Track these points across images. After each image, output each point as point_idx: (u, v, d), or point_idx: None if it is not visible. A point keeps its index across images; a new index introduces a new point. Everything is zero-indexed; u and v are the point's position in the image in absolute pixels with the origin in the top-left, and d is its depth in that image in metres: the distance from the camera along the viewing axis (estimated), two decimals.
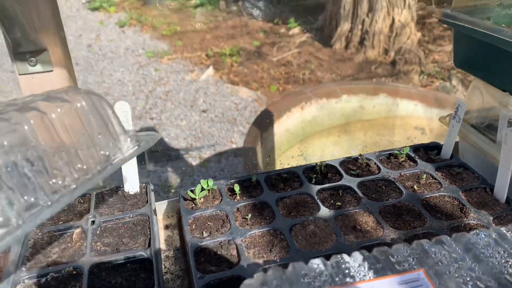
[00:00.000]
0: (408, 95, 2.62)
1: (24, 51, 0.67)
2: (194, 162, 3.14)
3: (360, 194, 0.76)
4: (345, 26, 4.33)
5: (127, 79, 4.12)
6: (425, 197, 0.75)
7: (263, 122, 2.45)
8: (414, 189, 0.77)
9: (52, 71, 0.70)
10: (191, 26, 5.15)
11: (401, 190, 0.77)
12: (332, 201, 0.76)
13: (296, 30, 4.86)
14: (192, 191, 0.77)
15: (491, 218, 0.70)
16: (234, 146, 3.29)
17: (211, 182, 0.79)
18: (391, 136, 2.82)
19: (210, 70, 4.26)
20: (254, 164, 2.35)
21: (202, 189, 0.77)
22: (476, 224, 0.69)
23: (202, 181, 0.79)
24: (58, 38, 0.68)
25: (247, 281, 0.47)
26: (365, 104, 2.77)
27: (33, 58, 0.68)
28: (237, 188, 0.78)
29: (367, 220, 0.71)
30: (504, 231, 0.51)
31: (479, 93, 0.90)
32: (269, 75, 4.11)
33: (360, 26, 4.25)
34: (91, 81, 4.02)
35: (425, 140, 0.93)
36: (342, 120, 2.82)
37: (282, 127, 2.55)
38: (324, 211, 0.73)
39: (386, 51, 4.20)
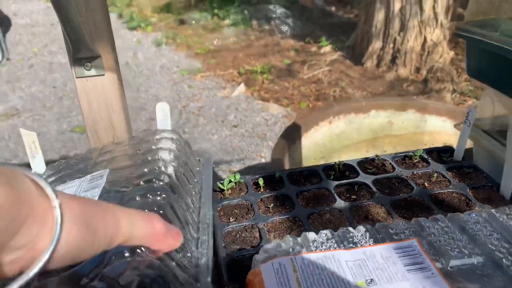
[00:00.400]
0: (437, 111, 2.65)
1: (81, 57, 0.78)
2: (224, 175, 3.23)
3: (374, 189, 0.83)
4: (376, 45, 4.39)
5: (162, 95, 4.30)
6: (434, 193, 0.81)
7: (291, 135, 2.53)
8: (425, 185, 0.83)
9: (104, 75, 0.82)
10: (224, 45, 5.33)
11: (413, 187, 0.83)
12: (348, 195, 0.83)
13: (327, 48, 4.95)
14: (221, 183, 0.86)
15: (494, 211, 0.75)
16: (263, 160, 3.38)
17: (238, 176, 0.88)
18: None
19: (242, 87, 4.39)
20: None
21: (230, 181, 0.86)
22: None
23: (230, 175, 0.88)
24: (110, 47, 0.80)
25: (265, 246, 0.56)
26: (393, 119, 2.81)
27: (88, 63, 0.79)
28: (261, 181, 0.87)
29: (378, 211, 0.77)
30: (494, 212, 0.57)
31: (490, 101, 0.95)
32: (299, 92, 4.20)
33: (391, 45, 4.29)
34: (128, 96, 4.21)
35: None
36: (370, 135, 2.87)
37: (309, 140, 2.62)
38: (340, 203, 0.80)
39: (418, 70, 4.22)
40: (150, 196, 0.53)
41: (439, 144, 1.01)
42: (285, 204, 0.82)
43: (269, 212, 0.80)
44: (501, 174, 0.84)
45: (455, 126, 1.01)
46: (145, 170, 0.64)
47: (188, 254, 0.53)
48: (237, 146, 3.67)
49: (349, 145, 2.78)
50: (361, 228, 0.57)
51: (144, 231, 0.37)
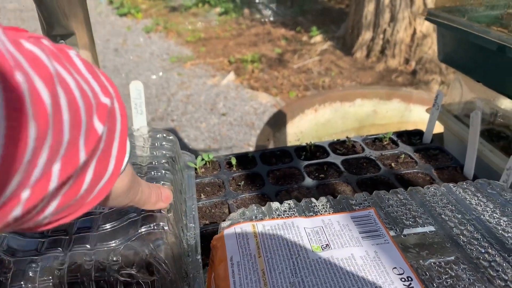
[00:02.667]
0: (421, 101, 2.68)
1: (55, 34, 0.79)
2: None
3: (343, 169, 0.86)
4: (366, 35, 4.41)
5: (151, 82, 4.29)
6: (400, 173, 0.83)
7: (276, 123, 2.55)
8: (392, 166, 0.86)
9: (78, 52, 0.83)
10: (215, 33, 5.32)
11: (380, 167, 0.86)
12: (316, 174, 0.85)
13: (318, 38, 4.96)
14: (194, 162, 0.88)
15: None
16: (251, 148, 3.39)
17: (211, 155, 0.90)
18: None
19: (231, 76, 4.39)
20: None
21: (202, 159, 0.88)
22: None
23: (203, 154, 0.90)
24: (84, 24, 0.81)
25: (231, 214, 0.58)
26: (378, 108, 2.83)
27: (62, 41, 0.80)
28: (234, 161, 0.89)
29: (345, 189, 0.80)
30: (451, 186, 0.60)
31: (459, 85, 0.98)
32: (289, 82, 4.21)
33: (381, 36, 4.31)
34: (117, 83, 4.21)
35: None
36: (356, 124, 2.90)
37: (295, 128, 2.65)
38: (308, 181, 0.82)
39: (407, 61, 4.25)
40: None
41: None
42: (255, 182, 0.84)
43: (240, 190, 0.82)
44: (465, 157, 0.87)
45: (427, 110, 1.03)
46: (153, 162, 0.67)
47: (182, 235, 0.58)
48: (225, 134, 3.69)
49: (335, 134, 2.81)
50: (323, 199, 0.60)
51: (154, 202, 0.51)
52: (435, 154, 0.90)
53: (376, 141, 0.97)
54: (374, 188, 0.80)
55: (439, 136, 1.05)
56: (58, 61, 0.24)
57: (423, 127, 1.00)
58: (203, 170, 0.88)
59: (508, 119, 0.87)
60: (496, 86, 0.83)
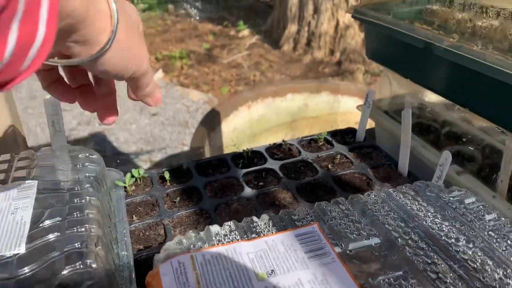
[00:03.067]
0: (348, 92, 2.76)
1: None
2: (145, 165, 3.13)
3: (281, 175, 0.83)
4: (292, 28, 4.46)
5: None
6: (337, 174, 0.83)
7: (210, 122, 2.50)
8: (329, 168, 0.85)
9: None
10: None
11: (317, 170, 0.85)
12: (255, 182, 0.83)
13: (245, 32, 4.94)
14: (122, 180, 0.81)
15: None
16: (186, 148, 3.31)
17: (142, 171, 0.84)
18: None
19: (160, 73, 4.25)
20: None
21: (133, 176, 0.82)
22: None
23: (133, 170, 0.83)
24: None
25: (166, 244, 0.53)
26: (308, 102, 2.88)
27: None
28: (167, 175, 0.83)
29: (285, 196, 0.78)
30: (391, 191, 0.59)
31: (388, 81, 1.00)
32: (220, 77, 4.16)
33: (306, 28, 4.38)
34: (36, 88, 3.92)
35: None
36: (288, 118, 2.93)
37: (230, 126, 2.61)
38: (248, 191, 0.79)
39: (332, 52, 4.36)
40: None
41: (352, 124, 1.04)
42: (192, 196, 0.80)
43: (175, 207, 0.77)
44: (397, 153, 0.88)
45: (358, 107, 1.04)
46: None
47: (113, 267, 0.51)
48: (158, 135, 3.57)
49: (269, 129, 2.82)
50: (265, 217, 0.57)
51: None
52: (369, 152, 0.91)
53: (311, 143, 0.96)
54: (313, 193, 0.79)
55: (370, 132, 1.07)
56: None
57: (351, 118, 1.01)
58: (133, 188, 0.82)
59: (436, 113, 0.90)
60: (423, 82, 0.85)
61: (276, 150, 0.93)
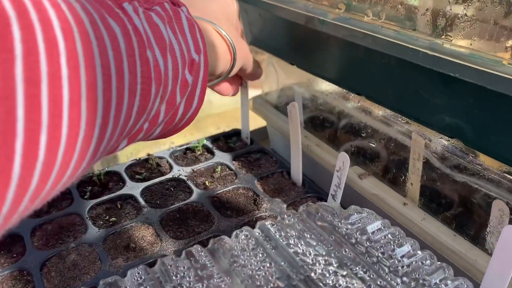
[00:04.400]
0: (252, 84, 2.61)
1: None
2: None
3: (142, 203, 0.63)
4: None
5: None
6: (217, 193, 0.64)
7: None
8: (206, 185, 0.66)
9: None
10: None
11: (191, 189, 0.65)
12: (106, 217, 0.61)
13: None
14: None
15: (285, 205, 0.62)
16: None
17: None
18: (239, 124, 2.79)
19: None
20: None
21: None
22: (268, 216, 0.60)
23: None
24: None
25: None
26: (211, 97, 2.69)
27: None
28: None
29: (144, 235, 0.57)
30: (269, 226, 0.41)
31: (273, 70, 0.83)
32: None
33: None
34: None
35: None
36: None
37: None
38: (92, 233, 0.58)
39: None
40: None
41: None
42: (12, 250, 0.56)
43: None
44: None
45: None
46: None
47: None
48: None
49: None
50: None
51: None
52: (257, 158, 0.73)
53: (187, 153, 0.76)
54: (183, 224, 0.59)
55: (263, 132, 0.90)
56: (171, 27, 0.36)
57: None
58: None
59: (329, 104, 0.74)
60: (310, 67, 0.69)
61: (140, 167, 0.72)
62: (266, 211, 0.61)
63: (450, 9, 0.46)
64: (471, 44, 0.45)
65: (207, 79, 0.42)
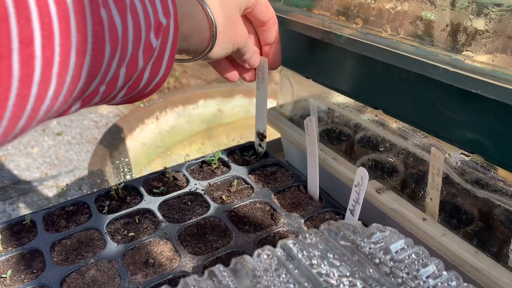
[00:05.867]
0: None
1: None
2: (51, 192, 2.79)
3: (160, 217, 0.63)
4: None
5: None
6: (234, 208, 0.64)
7: (112, 140, 2.23)
8: (223, 199, 0.66)
9: None
10: None
11: (208, 204, 0.65)
12: (125, 232, 0.61)
13: None
14: None
15: (303, 220, 0.62)
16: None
17: None
18: (253, 136, 2.80)
19: None
20: (101, 188, 2.10)
21: None
22: (286, 231, 0.60)
23: None
24: None
25: None
26: (222, 107, 2.70)
27: None
28: None
29: (162, 250, 0.58)
30: (291, 245, 0.41)
31: (288, 83, 0.83)
32: None
33: None
34: None
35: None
36: (203, 126, 2.72)
37: (136, 141, 2.35)
38: (111, 248, 0.58)
39: None
40: None
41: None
42: (32, 265, 0.57)
43: (4, 286, 0.54)
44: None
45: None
46: None
47: None
48: (64, 156, 3.22)
49: (183, 140, 2.59)
50: None
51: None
52: (273, 172, 0.73)
53: (203, 166, 0.76)
54: (202, 239, 0.59)
55: (277, 144, 0.90)
56: None
57: None
58: None
59: (346, 117, 0.74)
60: (326, 81, 0.69)
61: (157, 181, 0.72)
62: (284, 226, 0.60)
63: (471, 25, 0.46)
64: (493, 60, 0.45)
65: (177, 46, 0.40)
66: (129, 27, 0.32)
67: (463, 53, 0.47)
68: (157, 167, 2.42)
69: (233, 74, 0.62)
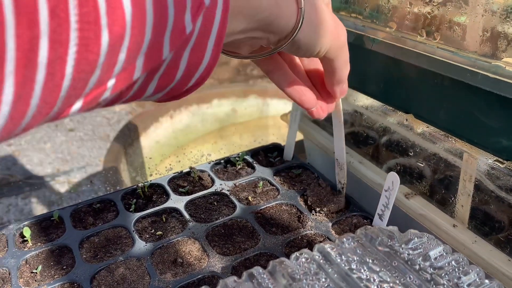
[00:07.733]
0: (277, 94, 2.62)
1: None
2: (63, 188, 2.81)
3: (187, 217, 0.63)
4: None
5: None
6: (260, 209, 0.64)
7: (127, 137, 2.24)
8: (249, 200, 0.66)
9: None
10: None
11: (235, 204, 0.66)
12: (152, 230, 0.62)
13: None
14: None
15: (330, 224, 0.61)
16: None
17: None
18: (265, 136, 2.79)
19: None
20: (116, 185, 2.12)
21: None
22: (314, 235, 0.60)
23: None
24: None
25: None
26: (236, 106, 2.70)
27: None
28: (27, 232, 0.60)
29: (191, 249, 0.58)
30: (328, 249, 0.41)
31: None
32: None
33: None
34: None
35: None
36: (216, 125, 2.73)
37: (151, 139, 2.37)
38: (140, 246, 0.58)
39: None
40: None
41: (284, 127, 0.86)
42: (61, 261, 0.57)
43: (35, 281, 0.54)
44: (333, 169, 0.71)
45: (282, 117, 0.86)
46: None
47: None
48: (76, 152, 3.24)
49: (196, 139, 2.60)
50: None
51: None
52: (298, 174, 0.73)
53: (228, 166, 0.76)
54: (229, 240, 0.60)
55: (299, 146, 0.90)
56: None
57: (282, 121, 0.83)
58: None
59: (373, 120, 0.74)
60: (355, 84, 0.69)
61: (182, 180, 0.73)
62: (311, 229, 0.60)
63: None
64: None
65: (225, 30, 0.31)
66: (147, 6, 0.25)
67: (503, 59, 0.46)
68: (174, 165, 2.43)
69: (311, 99, 0.46)
